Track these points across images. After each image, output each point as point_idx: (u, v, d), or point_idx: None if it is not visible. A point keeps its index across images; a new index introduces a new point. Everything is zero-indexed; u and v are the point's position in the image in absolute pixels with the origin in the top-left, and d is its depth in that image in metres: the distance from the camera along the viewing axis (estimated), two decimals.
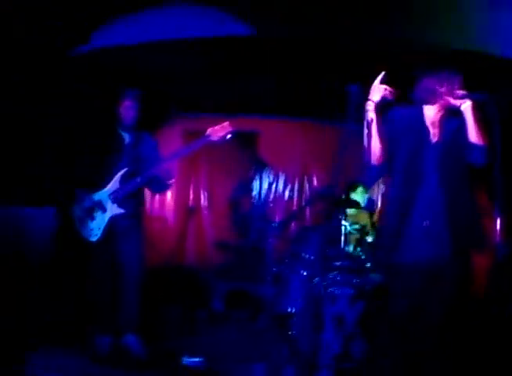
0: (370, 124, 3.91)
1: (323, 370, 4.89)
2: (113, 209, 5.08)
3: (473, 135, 3.81)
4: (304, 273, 5.81)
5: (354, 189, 6.87)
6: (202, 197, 8.81)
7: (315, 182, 8.47)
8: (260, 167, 8.54)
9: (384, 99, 3.92)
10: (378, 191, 7.54)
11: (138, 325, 5.22)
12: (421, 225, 3.90)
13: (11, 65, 5.67)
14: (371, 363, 4.71)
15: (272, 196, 8.59)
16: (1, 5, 5.09)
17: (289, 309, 5.88)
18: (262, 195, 8.54)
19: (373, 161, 3.99)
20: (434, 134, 4.00)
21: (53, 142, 6.19)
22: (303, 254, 5.99)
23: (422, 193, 3.92)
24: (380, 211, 5.86)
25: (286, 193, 8.60)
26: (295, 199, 8.55)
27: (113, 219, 5.09)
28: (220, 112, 8.11)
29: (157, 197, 8.36)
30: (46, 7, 5.32)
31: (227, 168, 8.72)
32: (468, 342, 5.04)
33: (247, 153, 8.58)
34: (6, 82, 5.67)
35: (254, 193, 8.57)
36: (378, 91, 3.92)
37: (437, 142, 3.98)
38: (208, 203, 8.78)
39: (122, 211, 5.10)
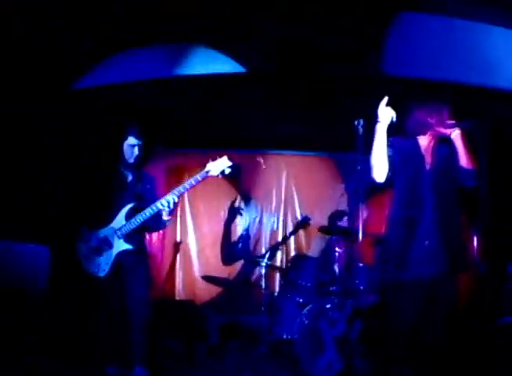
0: (379, 144, 4.20)
1: None
2: (119, 245, 5.18)
3: (463, 160, 4.15)
4: (301, 300, 6.03)
5: (340, 217, 7.09)
6: (188, 231, 8.88)
7: (297, 213, 8.61)
8: (245, 200, 8.72)
9: (391, 120, 4.21)
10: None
11: (147, 358, 5.25)
12: (423, 245, 4.17)
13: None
14: None
15: (257, 228, 8.72)
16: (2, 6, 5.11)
17: (284, 336, 6.11)
18: (248, 228, 8.69)
19: (377, 178, 4.26)
20: (428, 161, 4.30)
21: (54, 180, 6.26)
22: (299, 282, 6.19)
23: (422, 214, 4.18)
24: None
25: (270, 225, 8.71)
26: (280, 230, 8.66)
27: (120, 255, 5.18)
28: (202, 147, 8.43)
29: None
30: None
31: (212, 201, 8.81)
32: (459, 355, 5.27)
33: (231, 187, 8.71)
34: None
35: (241, 226, 8.73)
36: (386, 113, 4.20)
37: (430, 168, 4.28)
38: (195, 237, 8.86)
39: (129, 246, 5.19)
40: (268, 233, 8.71)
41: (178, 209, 8.66)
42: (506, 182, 5.86)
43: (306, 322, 5.61)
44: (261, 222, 8.75)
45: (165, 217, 5.27)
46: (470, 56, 5.45)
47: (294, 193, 8.68)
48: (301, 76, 5.97)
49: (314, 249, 7.23)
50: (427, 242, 4.17)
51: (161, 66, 6.06)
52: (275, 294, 7.18)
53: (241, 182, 8.66)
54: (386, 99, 4.21)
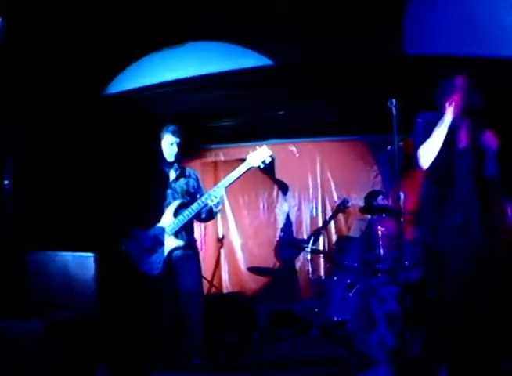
0: (440, 136, 4.28)
1: (382, 365, 5.15)
2: (170, 242, 5.29)
3: (490, 165, 4.25)
4: (348, 281, 6.11)
5: (375, 197, 7.16)
6: (230, 225, 9.08)
7: (334, 196, 8.70)
8: (283, 190, 8.84)
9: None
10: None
11: (204, 350, 5.35)
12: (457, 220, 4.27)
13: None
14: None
15: (296, 216, 8.85)
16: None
17: (335, 318, 6.19)
18: (289, 216, 8.81)
19: (424, 165, 4.35)
20: (459, 139, 4.37)
21: (97, 185, 6.36)
22: (345, 263, 6.27)
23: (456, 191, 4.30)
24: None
25: (309, 212, 8.85)
26: (319, 215, 8.77)
27: (172, 252, 5.30)
28: (233, 142, 8.57)
29: None
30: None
31: (250, 194, 9.01)
32: None
33: (267, 178, 8.86)
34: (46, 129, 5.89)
35: (281, 216, 8.86)
36: (453, 107, 4.28)
37: (462, 145, 4.36)
38: (237, 230, 9.06)
39: (180, 242, 5.31)
40: (309, 219, 8.83)
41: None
42: None
43: (356, 301, 5.69)
44: (300, 209, 8.85)
45: (215, 208, 5.35)
46: (490, 29, 5.42)
47: (330, 178, 8.77)
48: (326, 62, 5.97)
49: (355, 230, 7.28)
50: (460, 217, 4.26)
51: (189, 64, 6.11)
52: (322, 277, 7.27)
53: (276, 173, 8.73)
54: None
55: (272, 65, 5.89)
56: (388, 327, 5.43)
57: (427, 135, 4.32)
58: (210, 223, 8.33)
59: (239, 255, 9.03)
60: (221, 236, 9.03)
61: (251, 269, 8.28)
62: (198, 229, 8.46)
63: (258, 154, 5.32)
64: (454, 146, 4.34)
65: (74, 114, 6.19)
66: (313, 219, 8.82)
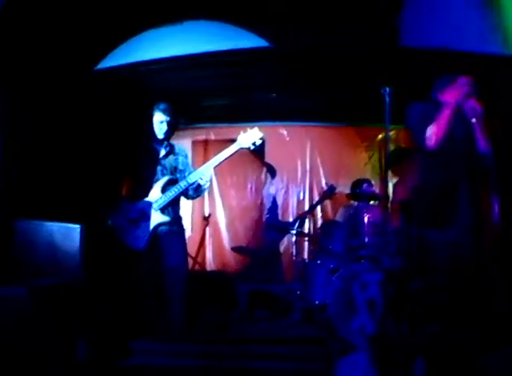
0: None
1: (361, 351, 5.15)
2: (157, 217, 5.30)
3: (481, 131, 4.25)
4: (332, 266, 6.14)
5: (361, 185, 7.18)
6: (216, 204, 9.09)
7: (322, 182, 8.72)
8: (271, 172, 8.85)
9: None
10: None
11: (184, 329, 5.37)
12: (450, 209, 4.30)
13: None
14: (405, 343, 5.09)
15: (284, 199, 8.88)
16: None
17: (317, 302, 6.22)
18: (275, 199, 8.83)
19: (433, 146, 4.33)
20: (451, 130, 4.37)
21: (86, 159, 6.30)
22: (330, 248, 6.30)
23: (450, 179, 4.33)
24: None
25: (297, 195, 8.89)
26: (306, 199, 8.81)
27: (157, 227, 5.31)
28: (225, 121, 8.55)
29: None
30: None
31: (238, 174, 9.03)
32: None
33: (256, 160, 8.88)
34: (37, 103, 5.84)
35: (268, 198, 8.87)
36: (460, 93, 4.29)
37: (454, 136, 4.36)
38: (224, 210, 9.06)
39: (166, 218, 5.33)
40: (296, 203, 8.87)
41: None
42: None
43: (338, 286, 5.71)
44: (287, 192, 8.88)
45: (202, 187, 5.37)
46: (485, 25, 5.46)
47: (319, 164, 8.81)
48: (321, 51, 5.98)
49: (341, 216, 7.32)
50: (454, 207, 4.29)
51: (187, 43, 6.10)
52: (306, 261, 7.30)
53: (266, 155, 8.76)
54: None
55: (267, 47, 5.88)
56: (369, 314, 5.44)
57: (423, 123, 4.34)
58: (196, 201, 8.51)
59: (224, 235, 9.04)
60: (207, 214, 9.01)
61: (235, 249, 8.39)
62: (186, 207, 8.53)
63: (249, 136, 5.34)
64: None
65: (65, 88, 6.13)
66: (300, 203, 8.85)
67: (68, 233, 5.16)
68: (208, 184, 5.42)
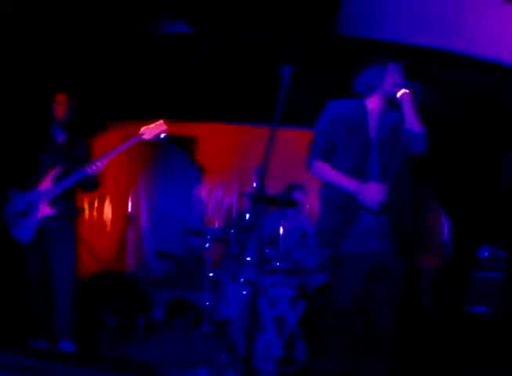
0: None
1: (265, 375, 4.75)
2: (44, 209, 4.94)
3: (411, 122, 3.81)
4: (243, 277, 5.68)
5: (291, 190, 6.79)
6: (141, 205, 8.68)
7: (253, 185, 8.31)
8: (199, 173, 8.51)
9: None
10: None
11: (73, 331, 5.06)
12: (366, 220, 3.86)
13: None
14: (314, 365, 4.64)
15: (211, 202, 8.51)
16: None
17: (227, 315, 5.74)
18: (201, 202, 8.49)
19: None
20: (374, 126, 3.96)
21: None
22: (243, 257, 5.86)
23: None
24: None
25: (225, 198, 8.54)
26: (235, 205, 8.42)
27: (44, 220, 4.95)
28: (160, 117, 8.06)
29: (96, 203, 8.27)
30: None
31: (166, 174, 8.65)
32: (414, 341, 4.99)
33: (186, 161, 8.53)
34: None
35: (195, 200, 8.54)
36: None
37: (377, 134, 3.94)
38: (147, 211, 8.65)
39: (55, 211, 4.96)
40: (223, 205, 8.52)
41: (132, 183, 8.60)
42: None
43: (245, 300, 5.23)
44: (215, 195, 8.53)
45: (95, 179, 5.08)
46: (426, 17, 5.25)
47: (250, 167, 8.28)
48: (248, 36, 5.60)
49: (265, 223, 6.87)
50: (371, 217, 3.86)
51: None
52: (220, 270, 6.84)
53: (196, 154, 8.50)
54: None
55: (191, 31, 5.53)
56: (277, 333, 4.94)
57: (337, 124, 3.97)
58: (120, 198, 8.44)
59: (147, 237, 8.62)
60: (129, 212, 8.65)
61: (158, 254, 8.12)
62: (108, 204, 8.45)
63: (153, 128, 5.05)
64: (367, 132, 3.98)
65: None
66: (229, 207, 8.49)
67: None
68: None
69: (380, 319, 3.87)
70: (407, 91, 3.82)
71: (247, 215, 7.59)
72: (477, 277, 5.84)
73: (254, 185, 7.54)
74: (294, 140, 8.07)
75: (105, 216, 8.46)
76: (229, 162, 8.52)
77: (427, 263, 6.26)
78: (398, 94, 3.85)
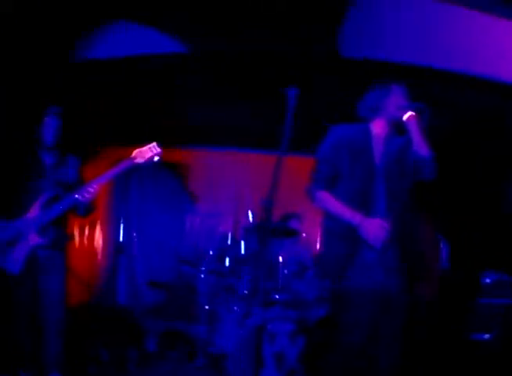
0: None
1: None
2: (33, 238, 4.73)
3: (419, 147, 3.68)
4: (238, 309, 5.52)
5: (287, 219, 6.68)
6: (133, 234, 8.55)
7: (250, 216, 8.16)
8: (193, 200, 8.40)
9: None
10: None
11: (62, 364, 4.85)
12: (371, 252, 3.73)
13: None
14: None
15: (205, 230, 8.33)
16: None
17: (223, 349, 5.57)
18: (194, 230, 8.37)
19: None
20: (379, 152, 3.85)
21: None
22: (241, 289, 5.70)
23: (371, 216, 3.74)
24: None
25: (219, 227, 8.30)
26: (229, 233, 8.19)
27: (34, 250, 4.74)
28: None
29: (86, 230, 8.10)
30: None
31: (159, 202, 8.52)
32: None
33: (179, 188, 8.46)
34: None
35: (189, 228, 8.45)
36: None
37: (382, 160, 3.82)
38: (139, 240, 8.53)
39: (44, 240, 4.75)
40: (217, 235, 8.13)
41: (123, 211, 8.47)
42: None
43: (245, 334, 5.05)
44: (209, 223, 8.36)
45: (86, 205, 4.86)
46: (429, 38, 5.20)
47: (246, 195, 8.14)
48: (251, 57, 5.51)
49: (257, 253, 6.74)
50: (376, 249, 3.73)
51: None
52: (216, 302, 6.67)
53: (189, 181, 8.44)
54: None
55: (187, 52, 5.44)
56: (277, 369, 4.77)
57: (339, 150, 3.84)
58: (111, 226, 8.29)
59: (139, 265, 8.48)
60: (121, 240, 8.48)
61: (151, 283, 7.97)
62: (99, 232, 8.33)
63: (146, 151, 4.86)
64: (371, 158, 3.87)
65: None
66: (222, 237, 8.10)
67: None
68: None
69: (383, 353, 3.74)
70: (413, 113, 3.69)
71: (242, 246, 7.48)
72: (481, 304, 5.74)
73: (250, 215, 7.48)
74: (289, 167, 7.93)
75: (95, 244, 8.31)
76: (223, 190, 8.40)
77: (424, 290, 6.11)
78: (405, 117, 3.72)
